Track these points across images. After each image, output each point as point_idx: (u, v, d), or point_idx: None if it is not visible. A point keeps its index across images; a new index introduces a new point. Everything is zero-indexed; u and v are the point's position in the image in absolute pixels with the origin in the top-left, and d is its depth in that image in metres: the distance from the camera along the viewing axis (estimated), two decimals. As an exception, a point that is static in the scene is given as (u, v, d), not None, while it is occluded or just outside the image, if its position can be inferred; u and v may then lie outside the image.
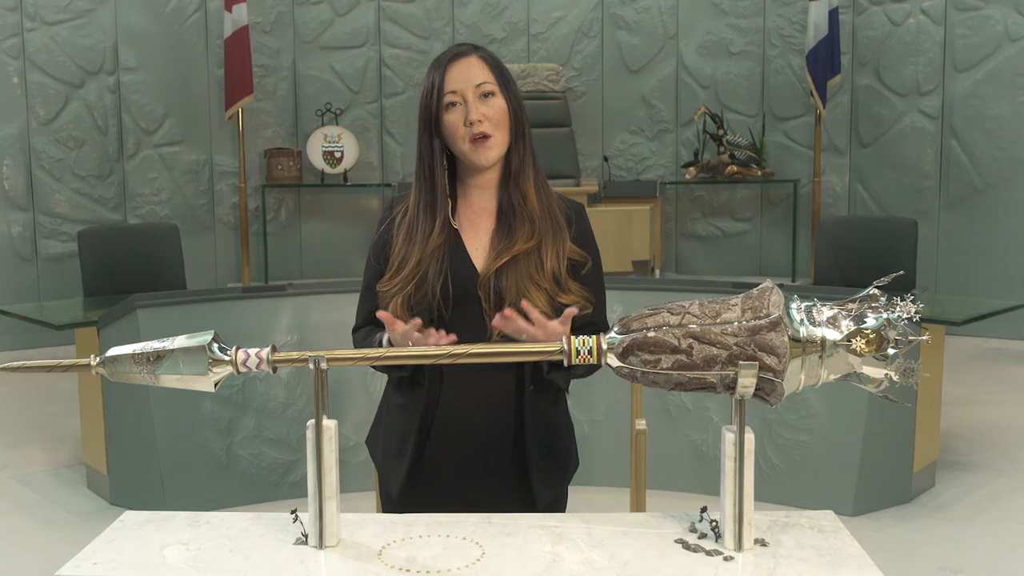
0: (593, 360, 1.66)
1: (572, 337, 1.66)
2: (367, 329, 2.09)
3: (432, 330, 1.85)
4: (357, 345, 2.09)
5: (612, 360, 1.65)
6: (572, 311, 1.83)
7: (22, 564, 3.76)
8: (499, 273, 1.97)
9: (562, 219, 2.04)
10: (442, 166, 2.01)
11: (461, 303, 1.98)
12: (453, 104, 1.98)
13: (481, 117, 1.97)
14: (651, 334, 1.63)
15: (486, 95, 1.99)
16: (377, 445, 2.17)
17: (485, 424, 2.02)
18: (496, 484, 2.04)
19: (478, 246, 2.03)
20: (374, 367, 2.08)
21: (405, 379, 2.05)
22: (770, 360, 1.59)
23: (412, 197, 2.05)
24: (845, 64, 7.52)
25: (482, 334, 1.94)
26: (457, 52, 2.01)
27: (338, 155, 7.73)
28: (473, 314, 1.97)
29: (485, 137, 1.97)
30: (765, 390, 1.62)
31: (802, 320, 1.62)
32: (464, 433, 2.03)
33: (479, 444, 2.03)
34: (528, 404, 2.02)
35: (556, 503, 2.12)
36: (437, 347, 1.77)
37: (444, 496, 2.02)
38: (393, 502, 2.08)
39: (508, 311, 1.84)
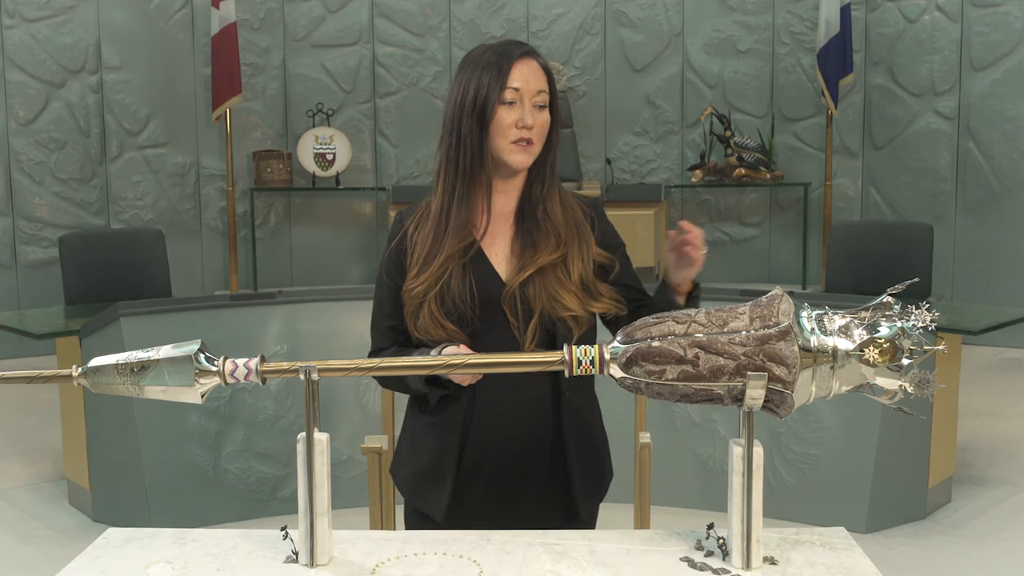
0: (595, 371, 1.66)
1: (574, 347, 1.67)
2: (395, 350, 2.09)
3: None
4: None
5: (615, 371, 1.66)
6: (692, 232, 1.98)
7: (0, 583, 3.76)
8: (525, 284, 2.00)
9: (586, 224, 2.08)
10: (489, 158, 2.03)
11: (486, 309, 2.00)
12: (511, 102, 2.01)
13: (532, 123, 2.01)
14: (655, 344, 1.63)
15: (539, 106, 2.03)
16: (402, 470, 2.17)
17: (522, 436, 2.04)
18: (538, 497, 2.06)
19: (498, 252, 2.07)
20: (411, 392, 2.10)
21: (444, 396, 2.05)
22: (779, 371, 1.59)
23: (441, 188, 2.07)
24: (857, 63, 7.53)
25: (508, 342, 1.98)
26: (525, 51, 2.05)
27: (330, 157, 7.73)
28: (498, 321, 2.00)
29: (528, 143, 2.02)
30: (774, 402, 1.63)
31: (813, 329, 1.62)
32: (501, 447, 2.04)
33: (517, 457, 2.04)
34: (566, 412, 2.05)
35: (592, 517, 2.15)
36: (434, 358, 1.78)
37: (486, 514, 2.02)
38: (434, 524, 2.07)
39: (686, 225, 1.97)
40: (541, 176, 2.08)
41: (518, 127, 2.00)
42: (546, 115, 2.05)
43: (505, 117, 2.00)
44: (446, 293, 1.99)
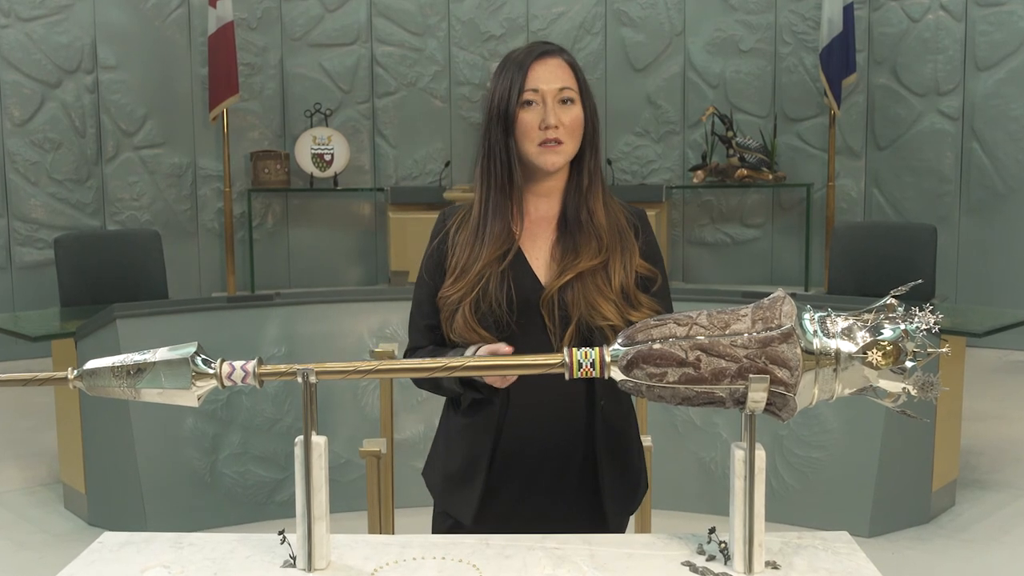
0: (596, 374, 1.66)
1: (574, 349, 1.67)
2: (430, 349, 2.08)
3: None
4: None
5: (616, 373, 1.66)
6: None
7: (-5, 588, 3.76)
8: (563, 289, 1.98)
9: (630, 232, 2.06)
10: (518, 166, 2.01)
11: (524, 314, 1.99)
12: (531, 103, 1.99)
13: (557, 122, 1.99)
14: (657, 346, 1.63)
15: (565, 101, 2.01)
16: (436, 473, 2.17)
17: (554, 441, 2.03)
18: (567, 503, 2.05)
19: (538, 255, 2.05)
20: (445, 393, 2.09)
21: (476, 399, 2.04)
22: (782, 373, 1.59)
23: (478, 197, 2.06)
24: (861, 62, 7.52)
25: (544, 348, 1.96)
26: (544, 50, 2.03)
27: (328, 158, 7.74)
28: (535, 325, 1.99)
29: (557, 143, 1.99)
30: (777, 405, 1.63)
31: (815, 331, 1.62)
32: (533, 451, 2.03)
33: (548, 463, 2.04)
34: (599, 420, 2.04)
35: (621, 528, 2.15)
36: (434, 359, 1.78)
37: (515, 518, 2.01)
38: (463, 528, 2.07)
39: None
40: (581, 175, 2.05)
41: (541, 128, 1.98)
42: (575, 111, 2.01)
43: (527, 119, 1.98)
44: (482, 298, 1.97)
